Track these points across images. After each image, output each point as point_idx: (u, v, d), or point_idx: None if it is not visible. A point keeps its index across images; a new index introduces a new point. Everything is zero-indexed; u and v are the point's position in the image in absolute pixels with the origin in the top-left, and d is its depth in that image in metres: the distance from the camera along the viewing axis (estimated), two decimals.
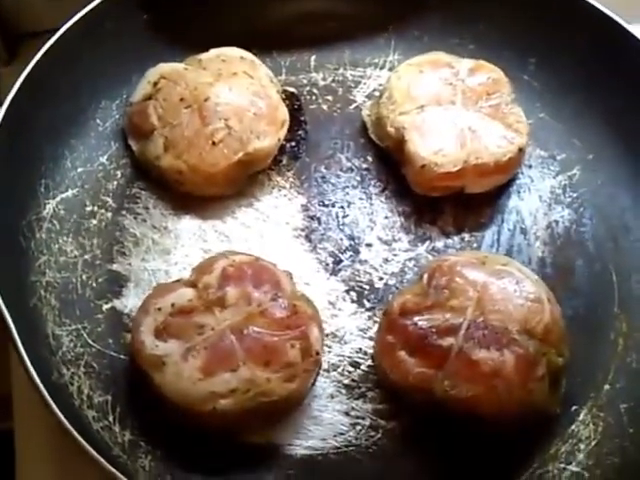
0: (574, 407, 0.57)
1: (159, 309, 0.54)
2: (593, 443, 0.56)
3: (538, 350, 0.54)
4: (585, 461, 0.55)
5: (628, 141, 0.67)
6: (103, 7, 0.64)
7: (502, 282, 0.56)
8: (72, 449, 0.52)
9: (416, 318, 0.55)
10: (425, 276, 0.58)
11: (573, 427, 0.56)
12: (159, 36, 0.68)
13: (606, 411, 0.57)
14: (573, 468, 0.54)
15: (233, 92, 0.63)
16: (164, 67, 0.65)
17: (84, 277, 0.59)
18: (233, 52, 0.67)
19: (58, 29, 0.68)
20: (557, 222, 0.66)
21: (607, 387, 0.58)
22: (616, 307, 0.62)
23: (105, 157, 0.65)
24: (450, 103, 0.65)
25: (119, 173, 0.64)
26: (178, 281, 0.56)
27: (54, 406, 0.46)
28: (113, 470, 0.44)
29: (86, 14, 0.63)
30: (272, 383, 0.52)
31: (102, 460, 0.44)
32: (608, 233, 0.65)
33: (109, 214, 0.62)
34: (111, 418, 0.53)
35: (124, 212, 0.63)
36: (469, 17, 0.71)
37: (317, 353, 0.54)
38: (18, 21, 0.73)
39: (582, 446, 0.55)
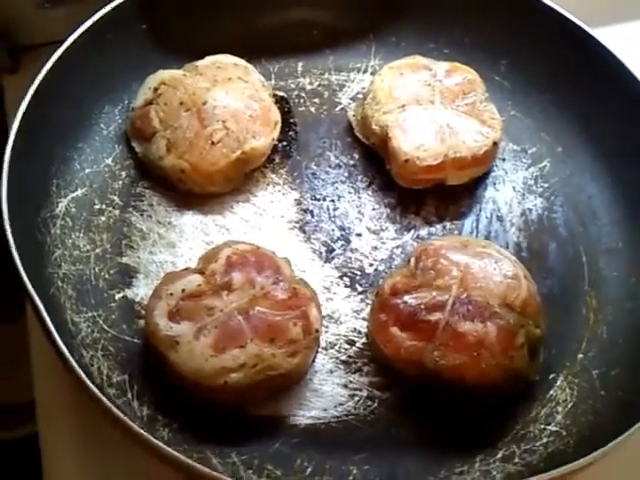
0: (552, 375, 0.62)
1: (171, 294, 0.58)
2: (569, 405, 0.60)
3: (517, 322, 0.59)
4: (563, 421, 0.59)
5: (592, 134, 0.72)
6: (105, 19, 0.68)
7: (483, 262, 0.61)
8: (98, 447, 0.57)
9: (406, 297, 0.60)
10: (412, 259, 0.62)
11: (551, 392, 0.61)
12: (157, 45, 0.72)
13: (580, 377, 0.62)
14: (552, 428, 0.59)
15: (229, 96, 0.68)
16: (164, 74, 0.69)
17: (97, 269, 0.63)
18: (227, 59, 0.71)
19: (57, 41, 0.73)
20: (530, 210, 0.71)
21: (581, 356, 0.63)
22: (587, 285, 0.66)
23: (110, 159, 0.69)
24: (429, 102, 0.70)
25: (124, 173, 0.68)
26: (186, 269, 0.61)
27: (87, 380, 0.50)
28: (141, 431, 0.48)
29: (90, 26, 0.67)
30: (277, 358, 0.56)
31: (132, 424, 0.48)
32: (578, 219, 0.70)
33: (116, 211, 0.66)
34: (130, 395, 0.57)
35: (130, 209, 0.67)
36: (443, 24, 0.76)
37: (317, 331, 0.59)
38: (21, 33, 0.77)
39: (560, 408, 0.60)
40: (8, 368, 0.81)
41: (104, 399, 0.49)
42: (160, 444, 0.48)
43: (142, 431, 0.48)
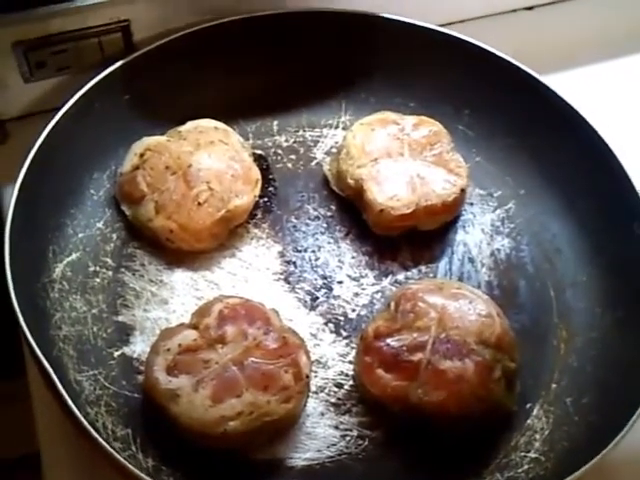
0: (528, 404, 0.65)
1: (168, 349, 0.61)
2: (546, 433, 0.64)
3: (493, 357, 0.62)
4: (541, 448, 0.63)
5: (551, 175, 0.76)
6: (93, 90, 0.72)
7: (458, 303, 0.65)
8: None
9: (388, 340, 0.63)
10: (392, 303, 0.66)
11: (529, 421, 0.65)
12: (141, 113, 0.76)
13: (555, 405, 0.65)
14: (532, 455, 0.63)
15: (212, 158, 0.72)
16: (149, 140, 0.73)
17: (95, 329, 0.66)
18: (208, 123, 0.75)
19: (42, 111, 0.77)
20: (499, 250, 0.75)
21: (554, 385, 0.67)
22: (556, 318, 0.70)
23: (101, 223, 0.72)
24: (399, 155, 0.74)
25: (115, 236, 0.72)
26: (181, 325, 0.64)
27: (95, 435, 0.53)
28: None
29: (79, 98, 0.71)
30: (272, 404, 0.60)
31: (143, 475, 0.52)
32: (543, 256, 0.74)
33: (110, 272, 0.70)
34: (134, 448, 0.60)
35: (123, 270, 0.70)
36: (408, 80, 0.80)
37: (307, 376, 0.62)
38: (8, 105, 0.80)
39: (537, 436, 0.64)
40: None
41: (116, 455, 0.52)
42: None
43: None
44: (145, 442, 0.61)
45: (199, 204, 0.70)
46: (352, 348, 0.68)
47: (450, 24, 0.88)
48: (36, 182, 0.67)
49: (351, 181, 0.74)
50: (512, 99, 0.79)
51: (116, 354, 0.66)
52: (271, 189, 0.77)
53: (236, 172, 0.72)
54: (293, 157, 0.79)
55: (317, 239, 0.74)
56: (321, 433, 0.63)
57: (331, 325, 0.69)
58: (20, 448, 0.81)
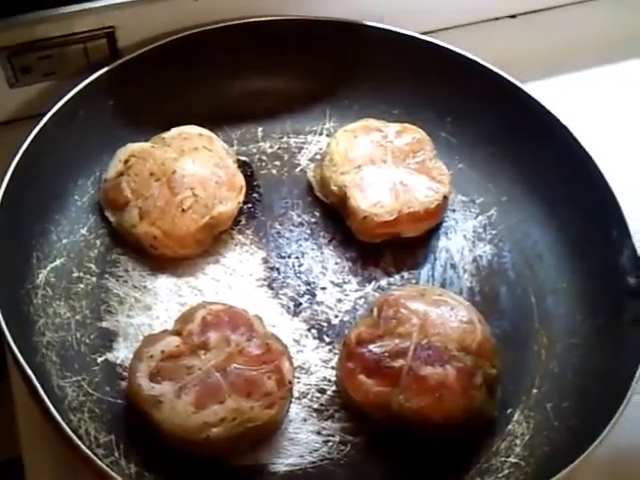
0: (509, 410, 0.66)
1: (151, 356, 0.62)
2: (527, 438, 0.64)
3: (474, 363, 0.63)
4: (521, 453, 0.63)
5: (533, 182, 0.77)
6: (77, 97, 0.72)
7: (440, 309, 0.66)
8: None
9: (371, 346, 0.64)
10: (375, 310, 0.67)
11: (510, 426, 0.65)
12: (125, 119, 0.76)
13: (535, 410, 0.66)
14: (512, 460, 0.63)
15: (196, 164, 0.72)
16: (133, 146, 0.73)
17: (78, 335, 0.66)
18: (192, 130, 0.75)
19: (27, 117, 0.77)
20: (481, 256, 0.75)
21: (535, 391, 0.67)
22: (537, 324, 0.71)
23: (85, 229, 0.72)
24: (382, 162, 0.75)
25: (98, 242, 0.72)
26: (164, 331, 0.64)
27: (78, 442, 0.53)
28: None
29: (64, 104, 0.71)
30: (255, 410, 0.60)
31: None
32: (525, 262, 0.75)
33: (94, 278, 0.70)
34: (117, 454, 0.60)
35: (107, 275, 0.70)
36: (391, 87, 0.81)
37: (290, 382, 0.63)
38: None
39: (518, 441, 0.64)
40: None
41: (98, 461, 0.52)
42: None
43: None
44: (128, 448, 0.61)
45: (183, 210, 0.70)
46: (335, 354, 0.68)
47: (433, 32, 0.89)
48: (20, 188, 0.67)
49: (335, 188, 0.74)
50: (494, 107, 0.80)
51: (99, 360, 0.66)
52: (255, 195, 0.78)
53: (220, 178, 0.73)
54: (277, 163, 0.79)
55: (301, 245, 0.75)
56: (303, 439, 0.64)
57: (314, 331, 0.70)
58: (4, 452, 0.80)
